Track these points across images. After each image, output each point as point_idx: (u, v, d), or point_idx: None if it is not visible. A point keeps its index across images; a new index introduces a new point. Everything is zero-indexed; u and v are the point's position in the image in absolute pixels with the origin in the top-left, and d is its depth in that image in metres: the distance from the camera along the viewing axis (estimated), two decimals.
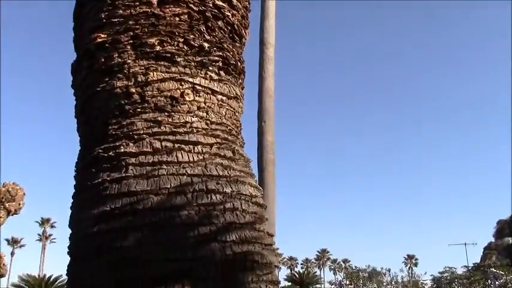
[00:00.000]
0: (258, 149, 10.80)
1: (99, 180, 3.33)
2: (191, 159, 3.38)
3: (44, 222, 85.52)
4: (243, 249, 3.24)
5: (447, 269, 33.09)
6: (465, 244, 50.46)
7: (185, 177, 3.29)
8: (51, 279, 30.70)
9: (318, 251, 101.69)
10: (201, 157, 3.43)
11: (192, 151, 3.43)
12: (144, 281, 2.99)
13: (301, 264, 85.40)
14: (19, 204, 10.57)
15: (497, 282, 28.54)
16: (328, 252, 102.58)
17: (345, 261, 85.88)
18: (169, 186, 3.22)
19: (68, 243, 3.51)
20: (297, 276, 44.05)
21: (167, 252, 3.05)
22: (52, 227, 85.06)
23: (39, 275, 33.24)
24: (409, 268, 62.26)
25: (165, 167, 3.30)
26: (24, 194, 10.62)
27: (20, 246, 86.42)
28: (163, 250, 3.06)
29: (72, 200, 3.64)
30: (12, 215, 10.84)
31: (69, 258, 3.44)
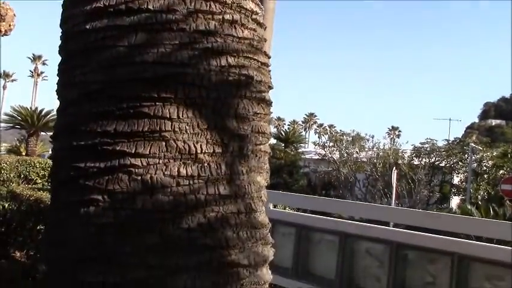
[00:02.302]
0: None
1: None
2: None
3: (35, 58, 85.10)
4: (239, 62, 3.17)
5: (428, 140, 34.11)
6: (450, 120, 51.78)
7: None
8: (43, 112, 31.20)
9: (306, 114, 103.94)
10: None
11: None
12: (136, 82, 2.95)
13: (289, 125, 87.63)
14: (9, 25, 10.25)
15: (473, 157, 29.73)
16: (315, 116, 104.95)
17: (331, 126, 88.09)
18: None
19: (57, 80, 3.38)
20: (283, 134, 45.26)
21: (161, 56, 2.97)
22: (44, 64, 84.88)
23: (31, 108, 33.65)
24: (391, 139, 64.16)
25: None
26: (14, 15, 10.25)
27: (12, 81, 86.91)
28: (157, 54, 2.97)
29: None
30: (2, 35, 10.59)
31: (60, 56, 3.35)
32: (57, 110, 3.34)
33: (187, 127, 2.98)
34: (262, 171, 3.41)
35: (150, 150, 2.90)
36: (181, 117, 2.96)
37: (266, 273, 3.34)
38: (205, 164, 3.00)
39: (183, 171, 2.94)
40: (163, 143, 2.93)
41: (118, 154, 2.90)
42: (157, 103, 2.94)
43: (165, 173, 2.91)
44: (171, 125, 2.94)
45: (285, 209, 8.31)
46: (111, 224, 2.88)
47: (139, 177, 2.89)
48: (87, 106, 3.01)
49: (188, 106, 2.99)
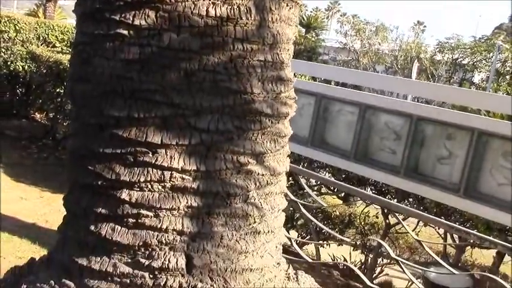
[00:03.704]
0: None
1: None
2: None
3: None
4: None
5: (454, 36, 32.97)
6: (479, 16, 49.72)
7: None
8: None
9: (330, 2, 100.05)
10: None
11: None
12: None
13: (311, 11, 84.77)
14: None
15: (498, 56, 28.91)
16: (339, 4, 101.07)
17: (354, 16, 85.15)
18: None
19: None
20: (305, 19, 43.96)
21: None
22: None
23: None
24: (415, 33, 62.35)
25: None
26: None
27: None
28: None
29: None
30: None
31: None
32: None
33: None
34: (291, 24, 3.29)
35: None
36: None
37: (287, 127, 3.36)
38: (235, 7, 2.89)
39: (212, 11, 2.83)
40: None
41: None
42: None
43: (193, 11, 2.81)
44: None
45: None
46: (136, 60, 2.85)
47: (166, 14, 2.80)
48: None
49: None
